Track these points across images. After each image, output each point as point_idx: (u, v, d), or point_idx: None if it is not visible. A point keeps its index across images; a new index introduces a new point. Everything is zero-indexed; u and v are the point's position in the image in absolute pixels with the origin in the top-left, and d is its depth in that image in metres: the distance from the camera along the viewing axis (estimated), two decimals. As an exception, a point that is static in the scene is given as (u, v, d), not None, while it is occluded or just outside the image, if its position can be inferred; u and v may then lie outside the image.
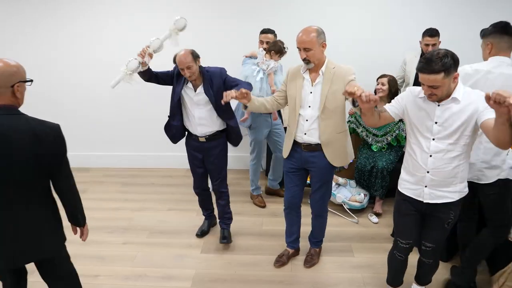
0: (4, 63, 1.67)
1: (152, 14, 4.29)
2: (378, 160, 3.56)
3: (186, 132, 2.99)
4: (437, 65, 1.77)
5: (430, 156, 1.97)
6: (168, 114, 2.94)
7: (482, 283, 2.62)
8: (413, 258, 2.39)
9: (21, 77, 1.75)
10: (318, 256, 2.96)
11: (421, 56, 3.73)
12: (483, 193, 2.36)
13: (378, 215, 3.56)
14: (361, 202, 3.57)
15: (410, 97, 2.04)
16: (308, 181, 3.04)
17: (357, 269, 2.85)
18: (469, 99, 1.87)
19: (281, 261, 2.89)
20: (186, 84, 2.79)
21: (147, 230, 3.35)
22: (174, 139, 3.02)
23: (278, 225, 3.35)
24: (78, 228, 2.12)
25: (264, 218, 3.57)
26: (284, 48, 3.39)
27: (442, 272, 2.75)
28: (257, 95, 3.27)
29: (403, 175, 2.17)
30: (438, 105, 1.92)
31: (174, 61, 2.72)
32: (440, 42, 3.70)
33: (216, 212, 3.31)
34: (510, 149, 2.21)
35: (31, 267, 2.01)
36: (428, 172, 2.00)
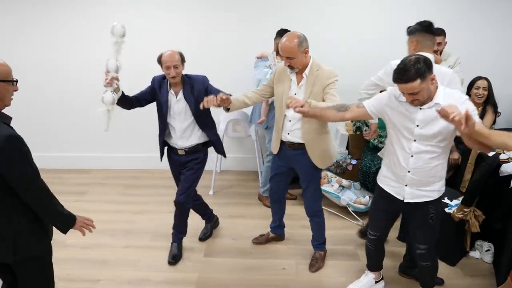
0: None
1: (152, 14, 4.26)
2: (383, 162, 3.52)
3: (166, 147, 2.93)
4: (411, 72, 1.81)
5: (412, 156, 2.02)
6: (159, 133, 2.85)
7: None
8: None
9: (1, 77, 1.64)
10: (323, 259, 2.92)
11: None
12: None
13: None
14: (366, 205, 3.52)
15: (392, 100, 2.05)
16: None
17: (362, 273, 2.79)
18: (449, 100, 1.88)
19: (259, 239, 3.12)
20: (169, 91, 2.71)
21: (149, 233, 3.30)
22: (162, 156, 2.96)
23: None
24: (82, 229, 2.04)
25: (268, 221, 3.50)
26: None
27: (452, 276, 2.72)
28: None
29: (384, 171, 2.22)
30: (420, 109, 1.95)
31: (159, 62, 2.62)
32: (446, 42, 3.65)
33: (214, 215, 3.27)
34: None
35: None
36: (409, 171, 2.05)
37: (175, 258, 2.94)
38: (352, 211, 3.54)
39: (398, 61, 2.41)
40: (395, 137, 2.08)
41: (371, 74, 3.94)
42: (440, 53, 3.64)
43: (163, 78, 2.74)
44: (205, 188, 4.15)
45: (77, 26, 4.32)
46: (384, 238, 2.43)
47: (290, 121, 2.55)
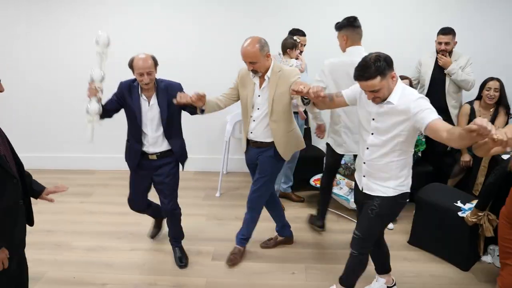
0: None
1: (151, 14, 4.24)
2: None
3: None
4: (371, 70, 1.84)
5: (367, 148, 2.09)
6: (127, 138, 2.73)
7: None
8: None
9: None
10: (242, 255, 2.93)
11: (437, 55, 3.63)
12: None
13: (393, 221, 3.45)
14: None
15: (363, 92, 2.07)
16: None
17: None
18: (403, 100, 1.92)
19: (267, 243, 3.11)
20: (141, 96, 2.58)
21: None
22: (134, 164, 2.73)
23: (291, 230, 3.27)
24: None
25: (275, 224, 3.46)
26: (295, 40, 3.36)
27: (466, 282, 2.66)
28: None
29: (357, 160, 2.31)
30: (376, 104, 1.99)
31: (130, 67, 2.49)
32: (456, 42, 3.59)
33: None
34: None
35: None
36: (364, 162, 2.13)
37: (183, 261, 2.89)
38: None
39: (332, 60, 2.77)
40: (360, 128, 2.16)
41: None
42: (450, 53, 3.59)
43: (132, 81, 2.59)
44: (212, 190, 4.12)
45: (77, 26, 4.30)
46: (379, 236, 2.42)
47: (254, 121, 2.64)
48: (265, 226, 3.41)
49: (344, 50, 2.80)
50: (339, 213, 3.60)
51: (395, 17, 4.12)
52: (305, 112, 3.59)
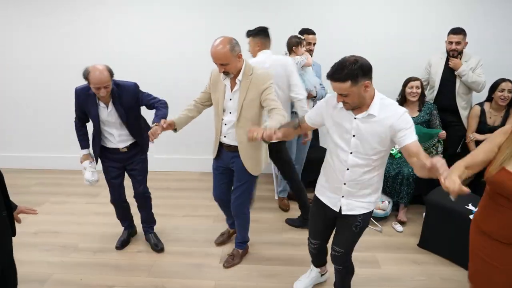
0: None
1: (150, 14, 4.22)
2: (403, 166, 3.42)
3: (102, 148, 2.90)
4: (343, 72, 1.73)
5: (347, 169, 1.95)
6: (92, 134, 2.84)
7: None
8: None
9: None
10: (241, 257, 2.95)
11: (447, 56, 3.58)
12: None
13: (402, 223, 3.41)
14: (384, 210, 3.42)
15: (329, 108, 1.98)
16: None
17: (384, 282, 2.72)
18: (385, 112, 1.83)
19: (221, 239, 3.13)
20: (99, 105, 2.66)
21: (163, 238, 3.22)
22: (97, 151, 2.89)
23: (298, 233, 3.24)
24: None
25: (284, 226, 3.43)
26: (300, 38, 3.32)
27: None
28: None
29: (321, 180, 2.17)
30: (355, 118, 1.87)
31: (85, 77, 2.47)
32: (466, 43, 3.54)
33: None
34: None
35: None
36: (344, 184, 2.00)
37: (159, 245, 3.09)
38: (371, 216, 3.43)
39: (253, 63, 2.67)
40: (333, 149, 2.00)
41: (380, 74, 3.88)
42: (460, 53, 3.54)
43: (87, 90, 2.58)
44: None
45: (78, 24, 4.29)
46: (325, 244, 2.40)
47: (225, 124, 2.55)
48: (272, 228, 3.40)
49: (255, 55, 3.16)
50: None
51: (420, 17, 4.07)
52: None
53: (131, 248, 3.13)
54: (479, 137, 3.44)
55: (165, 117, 2.62)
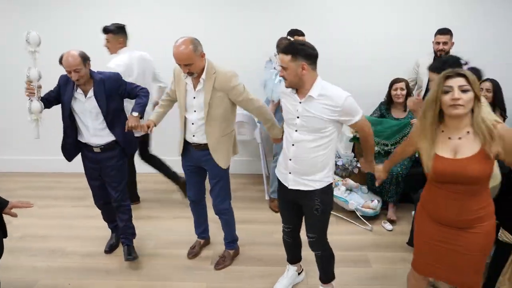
0: None
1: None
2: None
3: (81, 146, 2.81)
4: (288, 46, 1.99)
5: (293, 145, 2.12)
6: (63, 132, 2.75)
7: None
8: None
9: None
10: (232, 259, 2.94)
11: (434, 57, 3.63)
12: None
13: (392, 222, 3.44)
14: (374, 209, 3.45)
15: (283, 95, 2.20)
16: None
17: (375, 280, 2.74)
18: (327, 97, 1.99)
19: (193, 252, 3.02)
20: (76, 90, 2.59)
21: (153, 240, 3.19)
22: (70, 156, 2.81)
23: (290, 234, 3.24)
24: None
25: (275, 227, 3.41)
26: (290, 39, 3.31)
27: None
28: (277, 98, 3.31)
29: (280, 159, 2.33)
30: (300, 102, 2.05)
31: (60, 62, 2.51)
32: (453, 42, 3.60)
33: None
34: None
35: None
36: (290, 159, 2.15)
37: (131, 254, 2.91)
38: (361, 215, 3.46)
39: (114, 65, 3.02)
40: (285, 127, 2.20)
41: (380, 74, 3.93)
42: (447, 53, 3.59)
43: (67, 76, 2.58)
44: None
45: (74, 27, 4.23)
46: (298, 229, 2.48)
47: (193, 123, 2.53)
48: (264, 228, 3.40)
49: (115, 51, 3.31)
50: (337, 214, 3.57)
51: (408, 18, 4.12)
52: None
53: (121, 251, 3.07)
54: None
55: (145, 106, 2.66)
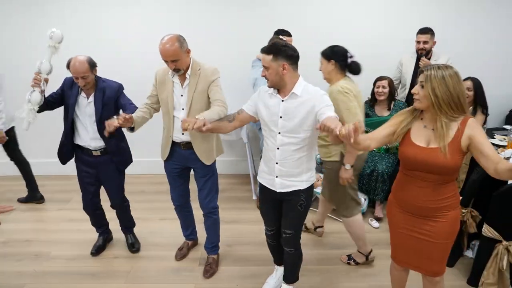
0: None
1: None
2: (378, 163, 3.49)
3: (76, 149, 2.80)
4: (269, 46, 2.01)
5: (278, 148, 2.14)
6: (63, 135, 2.76)
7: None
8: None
9: None
10: (217, 264, 2.91)
11: (417, 56, 3.69)
12: None
13: (379, 219, 3.48)
14: (361, 207, 3.48)
15: (261, 94, 2.19)
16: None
17: (362, 278, 2.77)
18: (307, 94, 2.04)
19: (181, 253, 3.00)
20: (80, 94, 2.64)
21: (140, 243, 3.16)
22: (65, 160, 2.82)
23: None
24: None
25: (262, 226, 3.40)
26: (281, 40, 3.31)
27: (451, 278, 2.70)
28: None
29: (261, 165, 2.34)
30: (282, 101, 2.08)
31: (68, 67, 2.55)
32: (435, 42, 3.66)
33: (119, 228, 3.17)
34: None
35: None
36: (277, 163, 2.17)
37: (135, 246, 3.08)
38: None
39: None
40: (266, 132, 2.19)
41: (363, 73, 3.95)
42: (428, 53, 3.66)
43: (74, 80, 2.61)
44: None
45: (75, 21, 4.17)
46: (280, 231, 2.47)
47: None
48: (251, 228, 3.40)
49: None
50: (324, 213, 3.60)
51: (392, 18, 4.17)
52: None
53: (107, 254, 3.06)
54: None
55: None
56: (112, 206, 2.96)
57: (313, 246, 3.16)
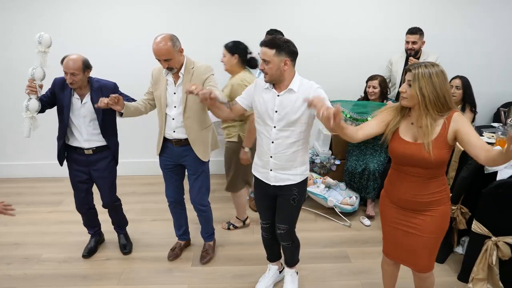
0: None
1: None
2: (369, 162, 3.52)
3: (68, 148, 2.80)
4: (272, 41, 2.02)
5: (272, 142, 2.16)
6: (59, 137, 2.75)
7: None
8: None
9: None
10: (213, 250, 3.03)
11: (406, 56, 3.73)
12: None
13: (370, 217, 3.51)
14: (352, 205, 3.51)
15: (257, 88, 2.21)
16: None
17: (355, 275, 2.78)
18: (303, 89, 2.07)
19: (174, 254, 2.98)
20: (73, 95, 2.64)
21: (132, 244, 3.14)
22: (61, 161, 2.81)
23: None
24: None
25: (254, 226, 3.44)
26: None
27: (442, 274, 2.73)
28: None
29: (255, 159, 2.36)
30: (278, 95, 2.10)
31: (61, 63, 2.56)
32: (424, 42, 3.70)
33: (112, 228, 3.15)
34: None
35: None
36: (271, 156, 2.19)
37: (127, 247, 3.05)
38: (339, 212, 3.51)
39: None
40: (260, 126, 2.21)
41: (354, 73, 4.00)
42: (417, 52, 3.70)
43: (64, 80, 2.60)
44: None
45: (73, 20, 4.13)
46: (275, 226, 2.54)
47: (173, 119, 2.57)
48: (243, 228, 3.41)
49: None
50: (316, 212, 3.62)
51: (382, 17, 4.20)
52: None
53: (99, 256, 3.03)
54: None
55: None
56: (104, 205, 2.93)
57: (305, 245, 3.15)
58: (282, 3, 4.14)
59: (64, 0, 4.04)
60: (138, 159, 4.46)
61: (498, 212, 2.42)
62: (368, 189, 3.52)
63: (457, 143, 1.83)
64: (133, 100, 2.73)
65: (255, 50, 3.46)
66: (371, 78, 3.58)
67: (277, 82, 2.09)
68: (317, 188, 3.63)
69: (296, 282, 2.60)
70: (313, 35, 4.16)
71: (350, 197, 3.54)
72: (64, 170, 4.30)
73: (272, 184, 2.25)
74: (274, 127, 2.13)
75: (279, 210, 2.36)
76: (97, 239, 3.12)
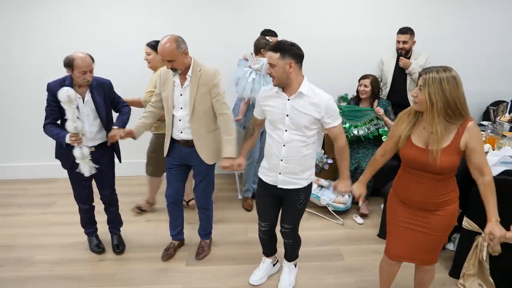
0: None
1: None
2: (361, 160, 3.55)
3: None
4: (277, 44, 2.07)
5: (284, 145, 2.20)
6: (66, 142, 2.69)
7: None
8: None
9: None
10: (209, 247, 3.07)
11: (397, 55, 3.77)
12: None
13: (364, 216, 3.54)
14: (345, 204, 3.54)
15: (262, 99, 2.26)
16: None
17: (349, 273, 2.81)
18: (314, 96, 2.12)
19: (168, 254, 2.99)
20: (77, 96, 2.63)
21: (126, 244, 3.13)
22: (68, 164, 2.74)
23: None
24: None
25: (248, 225, 3.45)
26: (268, 41, 3.38)
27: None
28: (247, 96, 3.39)
29: (263, 163, 2.39)
30: (288, 100, 2.13)
31: (65, 65, 2.53)
32: (414, 42, 3.74)
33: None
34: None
35: None
36: (282, 160, 2.22)
37: (120, 247, 3.06)
38: (332, 210, 3.54)
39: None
40: (270, 130, 2.25)
41: (347, 72, 4.02)
42: (407, 52, 3.74)
43: (62, 81, 2.57)
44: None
45: (72, 20, 4.09)
46: (275, 227, 2.59)
47: (180, 120, 2.61)
48: (237, 228, 3.41)
49: None
50: (310, 210, 3.64)
51: (374, 17, 4.24)
52: None
53: (93, 257, 3.02)
54: None
55: (125, 122, 2.76)
56: (104, 198, 2.94)
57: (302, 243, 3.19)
58: (276, 3, 4.15)
59: (64, 0, 4.01)
60: (131, 159, 4.44)
61: (488, 209, 2.45)
62: (361, 187, 3.54)
63: None
64: (125, 106, 2.84)
65: (249, 50, 3.52)
66: (363, 77, 3.61)
67: (285, 85, 2.12)
68: (310, 187, 3.65)
69: (294, 274, 2.67)
70: (306, 35, 4.18)
71: (343, 196, 3.56)
72: (56, 172, 4.29)
73: (279, 186, 2.29)
74: (286, 130, 2.16)
75: (284, 212, 2.42)
76: (96, 235, 3.11)
